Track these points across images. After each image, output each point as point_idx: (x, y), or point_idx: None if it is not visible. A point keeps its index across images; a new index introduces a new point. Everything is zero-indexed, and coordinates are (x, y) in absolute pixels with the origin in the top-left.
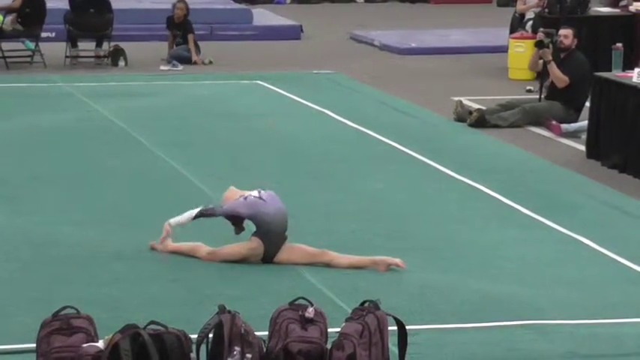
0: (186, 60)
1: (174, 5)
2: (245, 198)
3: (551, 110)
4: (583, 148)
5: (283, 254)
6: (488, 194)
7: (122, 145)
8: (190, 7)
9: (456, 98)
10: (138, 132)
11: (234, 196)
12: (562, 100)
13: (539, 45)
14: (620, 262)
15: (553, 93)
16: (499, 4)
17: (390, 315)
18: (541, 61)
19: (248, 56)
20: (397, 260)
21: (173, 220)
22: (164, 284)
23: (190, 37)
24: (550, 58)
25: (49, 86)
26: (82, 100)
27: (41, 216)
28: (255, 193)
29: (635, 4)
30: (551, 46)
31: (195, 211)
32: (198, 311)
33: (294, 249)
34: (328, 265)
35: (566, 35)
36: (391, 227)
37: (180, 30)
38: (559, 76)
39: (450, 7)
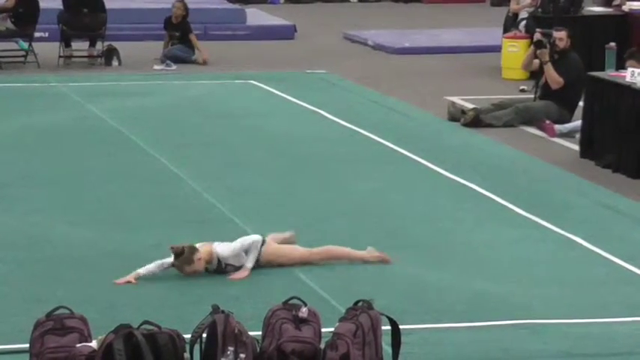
0: (180, 60)
1: (173, 5)
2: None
3: (544, 110)
4: (577, 147)
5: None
6: (482, 194)
7: (116, 144)
8: None
9: (450, 98)
10: (131, 132)
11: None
12: (556, 99)
13: (539, 45)
14: (613, 262)
15: (547, 93)
16: (492, 4)
17: (383, 314)
18: (536, 61)
19: (242, 56)
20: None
21: (142, 270)
22: (158, 284)
23: (192, 37)
24: (547, 58)
25: (42, 86)
26: (75, 100)
27: (35, 216)
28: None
29: (628, 3)
30: (548, 46)
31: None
32: (191, 311)
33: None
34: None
35: (560, 37)
36: (384, 226)
37: (178, 30)
38: (554, 78)
39: (443, 6)
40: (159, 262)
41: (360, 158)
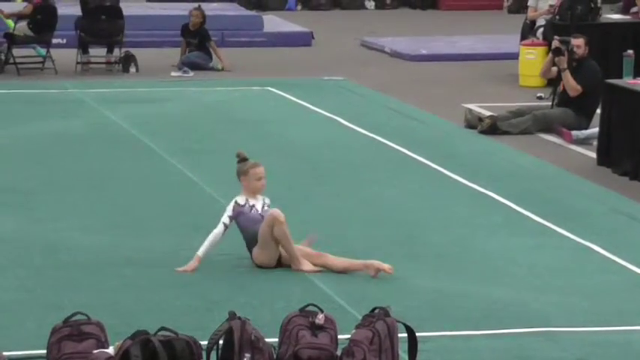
0: (198, 67)
1: (190, 12)
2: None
3: (562, 117)
4: (594, 155)
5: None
6: (499, 201)
7: (133, 151)
8: None
9: (467, 105)
10: (149, 138)
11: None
12: (573, 107)
13: (556, 52)
14: (630, 269)
15: (564, 100)
16: (510, 11)
17: (400, 322)
18: (554, 68)
19: (258, 63)
20: (386, 266)
21: (200, 252)
22: (175, 290)
23: (212, 44)
24: (565, 66)
25: (60, 92)
26: (92, 107)
27: (52, 222)
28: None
29: None
30: (566, 53)
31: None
32: (208, 317)
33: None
34: (324, 267)
35: (578, 45)
36: (401, 233)
37: (195, 38)
38: (572, 85)
39: (460, 13)
40: (210, 236)
41: (376, 165)
